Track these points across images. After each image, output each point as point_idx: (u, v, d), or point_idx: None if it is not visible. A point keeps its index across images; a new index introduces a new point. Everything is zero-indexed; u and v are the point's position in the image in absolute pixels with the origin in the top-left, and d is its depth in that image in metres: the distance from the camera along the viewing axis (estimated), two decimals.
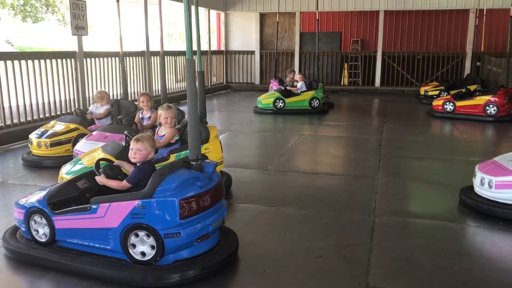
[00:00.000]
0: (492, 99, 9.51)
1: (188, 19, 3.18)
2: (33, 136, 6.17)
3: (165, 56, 10.04)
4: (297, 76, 11.27)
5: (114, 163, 3.66)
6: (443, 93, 11.89)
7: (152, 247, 3.03)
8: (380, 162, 6.30)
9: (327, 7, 15.27)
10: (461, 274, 3.25)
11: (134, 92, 10.52)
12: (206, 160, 3.40)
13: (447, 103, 10.02)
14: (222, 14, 16.44)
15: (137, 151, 3.43)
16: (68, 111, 8.45)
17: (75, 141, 6.01)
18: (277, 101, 10.52)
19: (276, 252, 3.56)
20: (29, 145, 6.27)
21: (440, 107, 10.14)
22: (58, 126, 6.28)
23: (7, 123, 7.36)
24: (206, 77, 14.45)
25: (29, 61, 7.72)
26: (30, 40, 29.18)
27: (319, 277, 3.19)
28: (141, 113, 5.92)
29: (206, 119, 4.92)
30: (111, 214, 3.09)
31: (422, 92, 13.18)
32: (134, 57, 10.77)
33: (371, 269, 3.28)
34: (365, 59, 15.82)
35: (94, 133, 5.65)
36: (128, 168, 3.65)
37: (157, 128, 4.82)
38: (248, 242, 3.67)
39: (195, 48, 3.83)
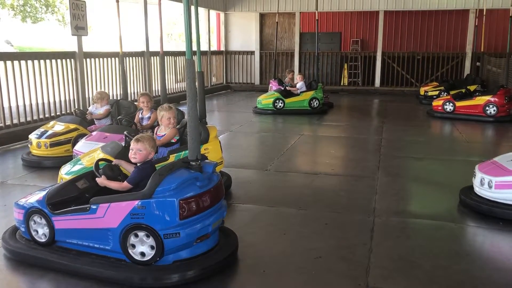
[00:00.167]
0: (492, 99, 9.51)
1: (188, 19, 3.18)
2: (32, 136, 6.17)
3: (165, 56, 10.06)
4: (297, 76, 11.27)
5: (113, 162, 3.66)
6: (443, 93, 11.89)
7: (152, 247, 3.03)
8: (380, 162, 6.30)
9: (326, 7, 15.27)
10: (461, 274, 3.25)
11: (134, 93, 10.51)
12: (206, 161, 3.40)
13: (447, 103, 10.02)
14: (222, 14, 16.45)
15: (137, 151, 3.43)
16: (67, 111, 8.45)
17: (74, 141, 6.00)
18: (277, 101, 10.52)
19: (275, 252, 3.56)
20: (28, 145, 6.27)
21: (440, 107, 10.14)
22: (58, 127, 6.28)
23: (7, 124, 7.36)
24: (206, 78, 14.45)
25: (29, 62, 7.72)
26: (29, 40, 29.19)
27: (318, 277, 3.19)
28: (141, 113, 5.92)
29: (205, 120, 4.92)
30: (111, 214, 3.09)
31: (422, 92, 13.18)
32: (134, 57, 10.77)
33: (371, 269, 3.28)
34: (365, 59, 15.82)
35: (94, 133, 5.65)
36: (126, 167, 3.65)
37: (157, 128, 4.82)
38: (248, 242, 3.67)
39: (194, 48, 3.83)
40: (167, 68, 12.10)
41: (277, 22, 13.64)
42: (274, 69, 12.84)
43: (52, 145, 6.02)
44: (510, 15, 10.50)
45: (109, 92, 9.48)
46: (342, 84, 16.05)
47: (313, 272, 3.24)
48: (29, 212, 3.38)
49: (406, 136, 8.28)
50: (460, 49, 15.45)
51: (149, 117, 5.80)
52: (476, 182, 4.48)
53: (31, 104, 7.77)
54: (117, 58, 9.71)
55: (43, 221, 3.34)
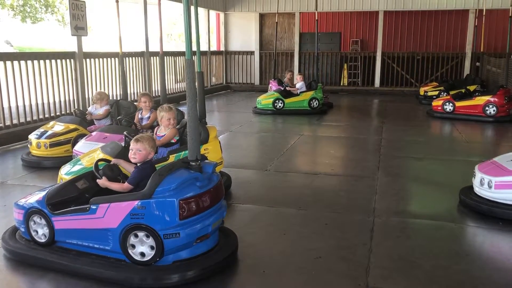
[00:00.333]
0: (492, 99, 9.51)
1: (188, 19, 3.18)
2: (32, 136, 6.17)
3: (165, 57, 10.05)
4: (297, 77, 11.27)
5: (112, 162, 3.66)
6: (442, 93, 11.89)
7: (152, 247, 3.03)
8: (380, 163, 6.30)
9: (326, 8, 15.27)
10: (461, 274, 3.25)
11: (133, 93, 10.51)
12: (206, 161, 3.40)
13: (447, 103, 10.02)
14: (222, 15, 16.45)
15: (137, 151, 3.43)
16: (67, 111, 8.45)
17: (74, 141, 6.00)
18: (277, 101, 10.52)
19: (275, 252, 3.56)
20: (28, 145, 6.26)
21: (439, 108, 10.14)
22: (58, 127, 6.28)
23: (6, 124, 7.36)
24: (205, 78, 14.46)
25: (29, 62, 7.71)
26: (29, 40, 29.18)
27: (318, 277, 3.19)
28: (140, 114, 5.92)
29: (205, 120, 4.92)
30: (111, 215, 3.09)
31: (421, 93, 13.18)
32: (133, 58, 10.77)
33: (371, 269, 3.28)
34: (365, 60, 15.82)
35: (94, 133, 5.65)
36: (125, 166, 3.65)
37: (156, 128, 4.82)
38: (248, 242, 3.67)
39: (194, 48, 3.83)
40: (167, 68, 12.10)
41: (276, 22, 13.63)
42: (274, 69, 12.84)
43: (52, 145, 6.02)
44: (510, 15, 10.51)
45: (108, 92, 9.50)
46: (342, 84, 16.05)
47: (313, 272, 3.24)
48: (29, 212, 3.38)
49: (406, 136, 8.28)
50: (459, 49, 15.46)
51: (149, 117, 5.80)
52: (476, 182, 4.48)
53: (30, 105, 7.77)
54: (117, 58, 9.71)
55: (43, 221, 3.34)
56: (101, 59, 9.54)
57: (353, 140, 8.07)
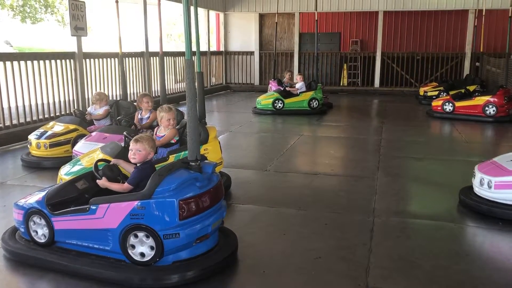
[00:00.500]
0: (491, 99, 9.51)
1: (188, 20, 3.18)
2: (32, 137, 6.16)
3: (165, 57, 10.04)
4: (297, 77, 11.27)
5: (111, 162, 3.65)
6: (442, 93, 11.90)
7: (152, 247, 3.03)
8: (380, 163, 6.30)
9: (326, 8, 15.28)
10: (461, 274, 3.25)
11: (133, 93, 10.51)
12: (205, 161, 3.40)
13: (447, 103, 10.03)
14: (222, 15, 16.45)
15: (137, 151, 3.43)
16: (67, 112, 8.45)
17: (74, 142, 6.00)
18: (276, 101, 10.52)
19: (275, 252, 3.56)
20: (28, 146, 6.26)
21: (439, 108, 10.14)
22: (58, 127, 6.27)
23: (6, 124, 7.35)
24: (205, 78, 14.46)
25: (28, 62, 7.71)
26: (29, 40, 29.16)
27: (318, 277, 3.19)
28: (140, 114, 5.93)
29: (205, 120, 4.92)
30: (110, 215, 3.09)
31: (421, 93, 13.19)
32: (133, 58, 10.77)
33: (371, 269, 3.28)
34: (365, 60, 15.82)
35: (93, 134, 5.65)
36: (125, 166, 3.65)
37: (156, 129, 4.82)
38: (248, 242, 3.67)
39: (194, 49, 3.83)
40: (166, 69, 12.10)
41: (276, 23, 13.64)
42: (274, 70, 12.84)
43: (52, 145, 6.02)
44: (509, 15, 10.52)
45: (108, 93, 9.50)
46: (341, 84, 16.06)
47: (312, 273, 3.24)
48: (29, 213, 3.38)
49: (406, 136, 8.28)
50: (459, 49, 15.47)
51: (148, 117, 5.80)
52: (475, 182, 4.48)
53: (30, 105, 7.76)
54: (116, 59, 9.71)
55: (43, 222, 3.34)
56: (101, 60, 9.54)
57: (353, 140, 8.07)
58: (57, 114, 8.27)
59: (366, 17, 16.52)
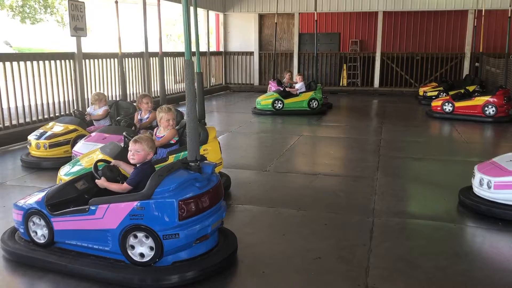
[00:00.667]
0: (491, 99, 9.52)
1: (187, 20, 3.18)
2: (32, 137, 6.16)
3: (164, 57, 10.04)
4: (296, 77, 11.28)
5: (111, 163, 3.65)
6: (442, 93, 11.90)
7: (151, 248, 3.03)
8: (379, 163, 6.30)
9: (325, 8, 15.28)
10: (460, 275, 3.25)
11: (133, 93, 10.51)
12: (205, 161, 3.40)
13: (446, 103, 10.03)
14: (221, 15, 16.45)
15: (136, 152, 3.43)
16: (67, 112, 8.45)
17: (74, 142, 6.00)
18: (276, 102, 10.53)
19: (275, 253, 3.55)
20: (28, 146, 6.26)
21: (439, 108, 10.14)
22: (57, 127, 6.27)
23: (5, 125, 7.35)
24: (205, 78, 14.46)
25: (28, 62, 7.71)
26: (28, 41, 29.14)
27: (318, 278, 3.19)
28: (140, 115, 5.93)
29: (204, 120, 4.92)
30: (110, 215, 3.09)
31: (421, 93, 13.19)
32: (133, 58, 10.77)
33: (370, 270, 3.28)
34: (364, 60, 15.83)
35: (93, 134, 5.64)
36: (125, 168, 3.65)
37: (156, 129, 4.82)
38: (247, 243, 3.67)
39: (194, 49, 3.83)
40: (166, 69, 12.10)
41: (276, 23, 13.64)
42: (274, 70, 12.84)
43: (51, 146, 6.02)
44: (509, 15, 10.51)
45: (108, 93, 9.51)
46: (341, 84, 16.06)
47: (312, 273, 3.24)
48: (28, 213, 3.38)
49: (405, 137, 8.29)
50: (459, 50, 15.47)
51: (148, 118, 5.81)
52: (475, 183, 4.49)
53: (30, 105, 7.76)
54: (116, 59, 9.71)
55: (42, 222, 3.33)
56: (100, 60, 9.54)
57: (352, 141, 8.07)
58: (56, 114, 8.26)
59: (365, 17, 16.52)
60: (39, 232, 3.37)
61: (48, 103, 8.15)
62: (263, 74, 16.51)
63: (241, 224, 4.10)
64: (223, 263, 3.23)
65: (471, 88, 11.08)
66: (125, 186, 3.33)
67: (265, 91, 12.01)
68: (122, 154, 4.19)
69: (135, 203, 3.02)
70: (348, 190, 5.19)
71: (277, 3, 13.95)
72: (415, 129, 9.08)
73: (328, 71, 16.13)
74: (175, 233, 3.00)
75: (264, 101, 10.67)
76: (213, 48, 16.54)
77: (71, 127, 6.25)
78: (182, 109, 5.15)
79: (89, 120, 6.51)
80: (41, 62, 7.97)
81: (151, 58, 11.32)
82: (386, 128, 9.04)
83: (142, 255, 3.06)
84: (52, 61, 8.20)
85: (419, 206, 4.80)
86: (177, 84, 13.26)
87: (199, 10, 14.50)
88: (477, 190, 4.44)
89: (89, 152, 4.86)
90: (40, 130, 6.27)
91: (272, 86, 11.43)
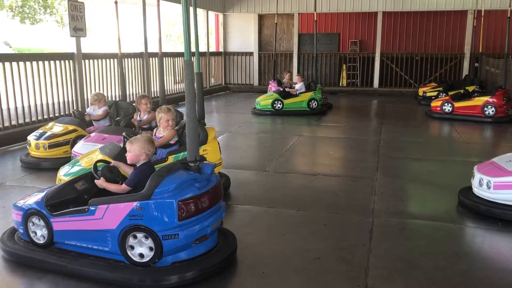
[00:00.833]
0: (491, 100, 9.52)
1: (187, 21, 3.19)
2: (31, 137, 6.16)
3: (164, 58, 10.04)
4: (296, 78, 11.28)
5: (111, 164, 3.65)
6: (441, 94, 11.90)
7: (151, 248, 3.03)
8: (379, 163, 6.30)
9: (325, 9, 15.28)
10: (460, 275, 3.25)
11: (132, 94, 10.51)
12: (205, 162, 3.40)
13: (446, 104, 10.03)
14: (221, 16, 16.45)
15: (128, 152, 3.48)
16: (66, 112, 8.44)
17: (73, 142, 5.99)
18: (276, 102, 10.53)
19: (274, 253, 3.55)
20: (27, 146, 6.26)
21: (438, 108, 10.15)
22: (57, 128, 6.26)
23: (5, 125, 7.35)
24: (204, 79, 14.45)
25: (27, 63, 7.71)
26: (28, 41, 29.13)
27: (318, 278, 3.18)
28: (139, 116, 5.93)
29: (204, 121, 4.92)
30: (109, 216, 3.09)
31: (420, 93, 13.20)
32: (132, 59, 10.77)
33: (370, 270, 3.27)
34: (364, 60, 15.83)
35: (92, 134, 5.64)
36: (125, 169, 3.64)
37: (155, 130, 4.82)
38: (247, 243, 3.67)
39: (193, 49, 3.83)
40: (166, 69, 12.10)
41: (276, 23, 13.64)
42: (274, 70, 12.83)
43: (51, 146, 6.01)
44: (508, 15, 10.52)
45: (107, 93, 9.51)
46: (340, 85, 16.06)
47: (312, 273, 3.24)
48: (28, 214, 3.38)
49: (405, 137, 8.29)
50: (458, 50, 15.48)
51: (147, 118, 5.81)
52: (474, 183, 4.49)
53: (29, 106, 7.76)
54: (115, 59, 9.70)
55: (42, 223, 3.33)
56: (100, 60, 9.54)
57: (352, 141, 8.07)
58: (56, 115, 8.26)
59: (365, 17, 16.53)
60: (39, 233, 3.36)
61: (47, 104, 8.15)
62: (263, 75, 16.51)
63: (241, 225, 4.10)
64: (223, 264, 3.23)
65: (470, 89, 11.09)
66: (124, 187, 3.33)
67: (264, 92, 12.01)
68: (121, 155, 4.18)
69: (135, 204, 3.02)
70: (347, 191, 5.19)
71: (276, 4, 13.94)
72: (415, 130, 9.08)
73: (328, 71, 16.13)
74: (174, 233, 3.00)
75: (263, 101, 10.68)
76: (212, 49, 16.55)
77: (71, 127, 6.25)
78: (182, 110, 5.14)
79: (89, 121, 6.51)
80: (40, 63, 7.97)
81: (150, 58, 11.32)
82: (386, 128, 9.04)
83: (141, 255, 3.06)
84: (52, 62, 8.20)
85: (418, 206, 4.80)
86: (177, 85, 13.27)
87: (199, 10, 14.51)
88: (477, 190, 4.44)
89: (88, 153, 4.86)
90: (40, 131, 6.27)
91: (272, 86, 11.43)
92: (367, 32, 16.62)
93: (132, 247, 3.07)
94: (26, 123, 7.69)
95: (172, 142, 4.64)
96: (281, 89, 10.77)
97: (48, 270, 3.23)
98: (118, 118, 6.09)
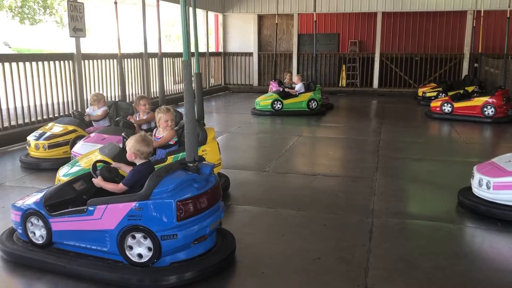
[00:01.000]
0: (490, 100, 9.52)
1: (185, 21, 3.18)
2: (31, 138, 6.15)
3: (163, 58, 10.04)
4: (295, 78, 11.29)
5: (112, 165, 3.65)
6: (441, 94, 11.91)
7: (149, 249, 3.02)
8: (378, 164, 6.29)
9: (324, 9, 15.29)
10: (460, 275, 3.25)
11: (132, 94, 10.51)
12: (203, 162, 3.39)
13: (445, 104, 10.03)
14: (220, 16, 16.46)
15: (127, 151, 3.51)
16: (66, 113, 8.44)
17: (73, 143, 5.99)
18: (275, 102, 10.53)
19: (274, 253, 3.55)
20: (27, 147, 6.25)
21: (438, 109, 10.15)
22: (56, 128, 6.26)
23: (4, 125, 7.34)
24: (204, 79, 14.45)
25: (27, 63, 7.70)
26: (28, 42, 29.13)
27: (317, 278, 3.18)
28: (138, 117, 5.92)
29: (203, 121, 4.91)
30: (108, 216, 3.08)
31: (420, 94, 13.20)
32: (132, 59, 10.77)
33: (370, 270, 3.27)
34: (363, 61, 15.84)
35: (92, 135, 5.64)
36: (125, 170, 3.64)
37: (155, 130, 4.81)
38: (246, 243, 3.66)
39: (193, 49, 3.82)
40: (165, 70, 12.10)
41: (276, 24, 13.64)
42: (274, 71, 12.84)
43: (51, 146, 6.01)
44: (508, 16, 10.52)
45: (107, 94, 9.50)
46: (340, 85, 16.06)
47: (311, 274, 3.24)
48: (26, 214, 3.37)
49: (405, 137, 8.28)
50: (458, 50, 15.48)
51: (145, 119, 5.81)
52: (474, 183, 4.48)
53: (29, 106, 7.75)
54: (115, 60, 9.70)
55: (40, 223, 3.33)
56: (99, 61, 9.53)
57: (351, 141, 8.07)
58: (56, 115, 8.25)
59: (364, 18, 16.53)
60: (37, 233, 3.36)
61: (47, 104, 8.14)
62: (262, 75, 16.51)
63: (241, 225, 4.10)
64: (222, 264, 3.22)
65: (470, 89, 11.09)
66: (120, 186, 3.33)
67: (264, 92, 12.02)
68: (120, 155, 4.18)
69: (133, 204, 3.02)
70: (347, 191, 5.19)
71: (277, 4, 13.94)
72: (414, 130, 9.08)
73: (327, 71, 16.13)
74: (173, 233, 3.00)
75: (263, 101, 10.68)
76: (212, 49, 16.55)
77: (70, 127, 6.25)
78: (182, 110, 5.14)
79: (88, 121, 6.50)
80: (40, 63, 7.96)
81: (150, 58, 11.32)
82: (385, 128, 9.04)
83: (140, 255, 3.05)
84: (51, 62, 8.19)
85: (418, 206, 4.79)
86: (177, 85, 13.27)
87: (198, 10, 14.51)
88: (476, 190, 4.43)
89: (88, 153, 4.85)
90: (39, 131, 6.26)
91: (273, 87, 11.44)
92: (366, 32, 16.62)
93: (130, 247, 3.06)
94: (25, 124, 7.69)
95: (171, 142, 4.63)
96: (281, 89, 10.77)
97: (47, 270, 3.23)
98: (117, 118, 6.09)
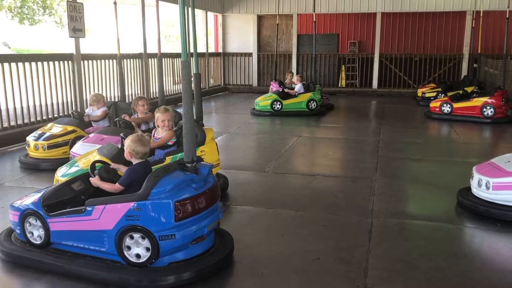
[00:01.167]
0: (489, 100, 9.52)
1: (183, 21, 3.18)
2: (30, 138, 6.15)
3: (163, 58, 10.02)
4: (295, 78, 11.29)
5: (111, 166, 3.65)
6: (440, 94, 11.91)
7: (147, 249, 3.02)
8: (378, 164, 6.29)
9: (324, 9, 15.29)
10: (459, 275, 3.25)
11: (131, 94, 10.50)
12: (202, 162, 3.39)
13: (444, 104, 10.03)
14: (220, 16, 16.45)
15: None
16: (65, 113, 8.43)
17: (72, 143, 5.98)
18: (275, 103, 10.52)
19: (273, 254, 3.54)
20: (26, 147, 6.24)
21: (437, 109, 10.14)
22: (56, 129, 6.25)
23: (4, 126, 7.34)
24: (203, 79, 14.45)
25: (26, 64, 7.70)
26: (27, 42, 29.13)
27: (317, 279, 3.17)
28: (136, 117, 5.91)
29: (202, 121, 4.90)
30: (106, 216, 3.08)
31: (419, 94, 13.20)
32: (131, 59, 10.76)
33: (369, 270, 3.26)
34: (363, 61, 15.84)
35: (91, 135, 5.63)
36: (124, 171, 3.63)
37: (154, 130, 4.81)
38: (245, 244, 3.66)
39: (192, 50, 3.82)
40: (165, 70, 12.09)
41: (277, 24, 13.64)
42: (275, 71, 12.83)
43: (50, 147, 6.00)
44: (507, 16, 10.52)
45: (106, 94, 9.50)
46: (339, 85, 16.07)
47: (311, 274, 3.23)
48: (24, 214, 3.36)
49: (404, 138, 8.28)
50: (457, 51, 15.49)
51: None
52: (473, 184, 4.48)
53: (28, 106, 7.74)
54: (114, 60, 9.69)
55: (38, 223, 3.32)
56: (99, 61, 9.53)
57: (351, 142, 8.07)
58: (55, 115, 8.24)
59: (364, 18, 16.53)
60: (36, 233, 3.35)
61: (46, 104, 8.14)
62: (262, 75, 16.51)
63: (240, 225, 4.09)
64: (220, 264, 3.22)
65: (469, 89, 11.08)
66: (117, 186, 3.33)
67: (263, 92, 12.02)
68: (119, 155, 4.18)
69: (132, 204, 3.01)
70: (346, 191, 5.19)
71: (277, 4, 13.93)
72: (414, 130, 9.07)
73: (327, 72, 16.13)
74: (171, 234, 2.99)
75: (262, 102, 10.67)
76: (211, 49, 16.54)
77: (70, 128, 6.24)
78: (181, 110, 5.13)
79: (88, 121, 6.49)
80: (39, 63, 7.95)
81: (149, 59, 11.31)
82: (385, 129, 9.03)
83: (138, 256, 3.05)
84: (51, 62, 8.19)
85: (417, 207, 4.79)
86: (176, 85, 13.26)
87: (198, 11, 14.51)
88: (476, 191, 4.43)
89: (86, 153, 4.84)
90: (39, 131, 6.26)
91: (274, 87, 11.44)
92: (366, 33, 16.63)
93: (129, 248, 3.06)
94: (25, 124, 7.68)
95: (170, 143, 4.63)
96: (281, 90, 10.77)
97: (45, 270, 3.22)
98: (117, 118, 6.08)
